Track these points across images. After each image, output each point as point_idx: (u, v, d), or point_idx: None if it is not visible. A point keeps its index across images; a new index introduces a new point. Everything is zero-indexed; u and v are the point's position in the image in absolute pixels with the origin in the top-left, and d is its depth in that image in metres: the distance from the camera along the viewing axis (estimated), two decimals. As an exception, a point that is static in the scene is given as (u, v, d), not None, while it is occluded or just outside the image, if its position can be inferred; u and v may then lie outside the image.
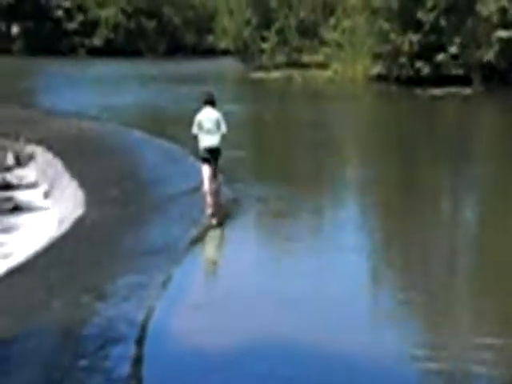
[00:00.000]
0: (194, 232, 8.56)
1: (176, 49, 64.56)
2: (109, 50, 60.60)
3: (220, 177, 9.40)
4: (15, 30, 63.96)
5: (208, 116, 8.98)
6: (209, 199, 9.05)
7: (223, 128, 9.00)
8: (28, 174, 14.53)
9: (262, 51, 41.93)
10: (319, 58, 38.82)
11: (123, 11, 64.12)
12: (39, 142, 15.67)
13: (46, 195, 12.58)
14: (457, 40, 29.03)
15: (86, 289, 6.68)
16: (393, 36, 30.72)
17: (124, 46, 62.48)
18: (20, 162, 15.34)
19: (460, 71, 29.33)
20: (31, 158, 15.25)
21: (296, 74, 37.64)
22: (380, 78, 32.14)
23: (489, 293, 6.84)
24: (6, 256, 8.98)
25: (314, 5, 41.11)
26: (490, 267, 7.61)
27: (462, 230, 9.44)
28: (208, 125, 8.93)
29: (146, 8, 64.57)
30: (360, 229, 9.07)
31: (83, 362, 5.20)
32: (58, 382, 4.99)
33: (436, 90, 28.09)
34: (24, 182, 13.81)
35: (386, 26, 31.22)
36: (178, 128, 16.64)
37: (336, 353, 5.39)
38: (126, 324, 5.79)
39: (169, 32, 65.71)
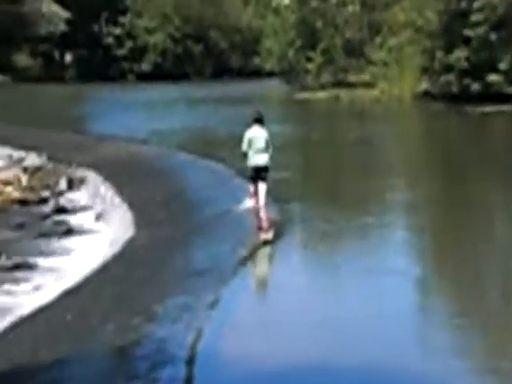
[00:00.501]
0: (241, 252, 8.58)
1: (222, 71, 65.53)
2: (157, 75, 62.02)
3: (267, 196, 9.41)
4: (68, 58, 66.18)
5: (257, 135, 9.02)
6: (255, 214, 9.09)
7: (271, 148, 9.05)
8: (80, 197, 14.90)
9: (307, 71, 42.08)
10: (365, 77, 38.72)
11: (171, 36, 65.59)
12: (90, 167, 16.07)
13: (98, 218, 12.85)
14: (508, 56, 28.20)
15: (136, 311, 6.77)
16: (439, 54, 30.32)
17: (172, 70, 63.84)
18: (72, 185, 15.75)
19: (511, 90, 28.48)
20: (83, 181, 15.64)
21: (342, 93, 37.58)
22: (427, 95, 31.75)
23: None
24: (59, 278, 9.20)
25: (360, 24, 41.10)
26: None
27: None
28: (258, 144, 8.96)
29: (192, 33, 65.88)
30: (410, 250, 8.92)
31: (134, 384, 5.25)
32: (110, 403, 5.05)
33: (486, 107, 27.46)
34: (76, 205, 14.16)
35: (428, 43, 30.86)
36: (225, 150, 16.81)
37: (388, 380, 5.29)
38: (175, 346, 5.84)
39: (215, 55, 66.81)
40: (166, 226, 10.33)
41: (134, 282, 7.91)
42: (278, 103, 38.50)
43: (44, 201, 14.30)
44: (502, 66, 28.20)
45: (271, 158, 9.24)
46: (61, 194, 15.19)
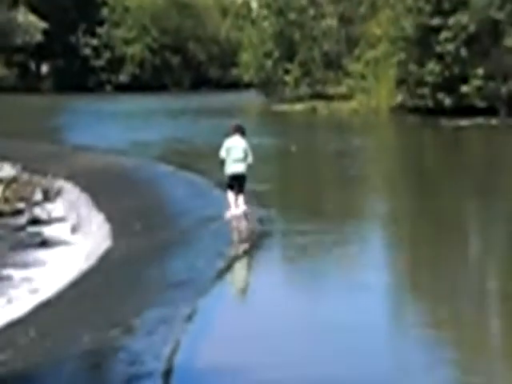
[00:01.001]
0: (219, 264, 8.56)
1: (200, 83, 65.59)
2: (135, 86, 61.86)
3: (246, 205, 9.42)
4: (45, 68, 65.69)
5: (236, 144, 9.10)
6: (234, 224, 9.10)
7: (250, 158, 9.09)
8: (56, 208, 14.74)
9: (285, 83, 42.31)
10: (343, 89, 39.04)
11: (149, 48, 65.53)
12: (67, 177, 15.93)
13: (74, 230, 12.73)
14: (480, 71, 28.63)
15: (113, 323, 6.70)
16: (412, 67, 30.68)
17: (150, 82, 63.74)
18: (48, 197, 15.59)
19: (483, 103, 28.91)
20: (59, 192, 15.49)
21: (320, 105, 37.83)
22: (403, 108, 32.12)
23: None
24: (34, 291, 9.07)
25: (338, 36, 41.47)
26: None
27: (488, 264, 9.27)
28: (236, 153, 9.05)
29: (171, 44, 65.92)
30: (384, 264, 8.97)
31: (110, 397, 5.19)
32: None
33: (461, 120, 27.84)
34: (52, 216, 14.01)
35: (402, 56, 31.22)
36: (204, 161, 16.78)
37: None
38: (152, 358, 5.79)
39: (193, 66, 66.89)
40: (143, 237, 10.26)
41: (110, 294, 7.84)
42: (256, 115, 38.61)
43: (19, 212, 14.13)
44: (475, 81, 28.62)
45: (252, 168, 9.29)
46: (36, 204, 15.03)
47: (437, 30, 29.26)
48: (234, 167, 9.02)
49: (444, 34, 28.81)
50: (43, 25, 59.90)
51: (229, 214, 9.23)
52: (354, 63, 38.33)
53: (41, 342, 6.49)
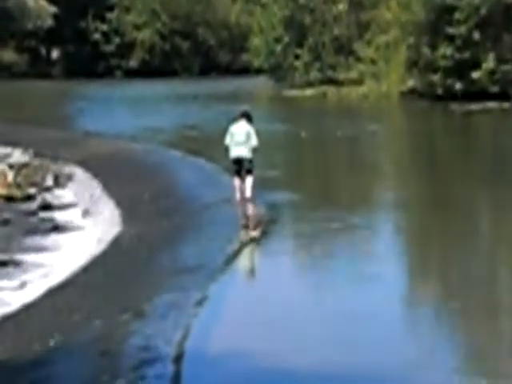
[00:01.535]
0: (229, 249, 8.58)
1: (210, 68, 65.27)
2: (145, 71, 61.67)
3: (252, 191, 9.33)
4: (55, 54, 65.63)
5: (239, 128, 9.08)
6: (240, 210, 9.11)
7: (253, 141, 9.01)
8: (67, 194, 14.81)
9: (295, 69, 42.02)
10: (353, 74, 38.71)
11: (159, 33, 65.24)
12: (77, 163, 15.98)
13: (85, 215, 12.79)
14: (492, 55, 28.31)
15: (124, 307, 6.74)
16: (425, 50, 30.36)
17: (160, 67, 63.49)
18: (59, 182, 15.65)
19: (495, 88, 28.61)
20: (70, 178, 15.55)
21: (330, 91, 37.59)
22: (414, 93, 31.87)
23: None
24: (45, 275, 9.15)
25: (348, 21, 41.06)
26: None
27: (497, 249, 9.24)
28: (237, 137, 9.03)
29: (180, 29, 65.54)
30: (392, 250, 8.95)
31: (121, 382, 5.23)
32: (97, 400, 5.03)
33: (472, 105, 27.61)
34: (63, 202, 14.08)
35: (413, 40, 30.87)
36: (213, 146, 16.77)
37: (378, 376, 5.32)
38: (163, 343, 5.83)
39: (203, 51, 66.53)
40: (153, 222, 10.30)
41: (121, 279, 7.89)
42: (266, 101, 38.47)
43: (30, 197, 14.20)
44: (486, 65, 28.29)
45: (259, 153, 9.26)
46: (47, 190, 15.10)
47: (449, 10, 28.92)
48: (235, 151, 9.01)
49: (456, 15, 28.48)
50: (53, 9, 59.80)
51: (235, 200, 9.23)
52: (364, 48, 38.00)
53: (53, 326, 6.55)
